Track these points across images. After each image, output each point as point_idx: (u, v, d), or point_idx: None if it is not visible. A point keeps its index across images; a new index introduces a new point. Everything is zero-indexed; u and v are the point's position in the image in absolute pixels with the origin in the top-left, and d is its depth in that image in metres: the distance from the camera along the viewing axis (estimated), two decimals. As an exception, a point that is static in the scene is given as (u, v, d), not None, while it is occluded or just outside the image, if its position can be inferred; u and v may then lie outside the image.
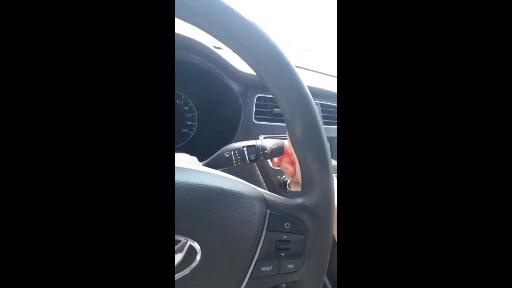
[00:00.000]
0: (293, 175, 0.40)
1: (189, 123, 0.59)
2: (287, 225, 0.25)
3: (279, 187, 0.55)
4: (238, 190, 0.22)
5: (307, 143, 0.25)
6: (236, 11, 0.20)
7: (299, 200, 0.26)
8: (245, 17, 0.21)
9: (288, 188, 0.54)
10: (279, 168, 0.54)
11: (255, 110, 0.53)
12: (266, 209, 0.24)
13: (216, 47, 0.45)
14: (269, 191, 0.55)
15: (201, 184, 0.20)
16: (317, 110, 0.26)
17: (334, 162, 0.68)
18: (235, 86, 0.52)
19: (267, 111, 0.56)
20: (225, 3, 0.20)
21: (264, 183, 0.53)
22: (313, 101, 0.25)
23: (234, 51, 0.22)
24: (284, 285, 0.28)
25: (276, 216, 0.24)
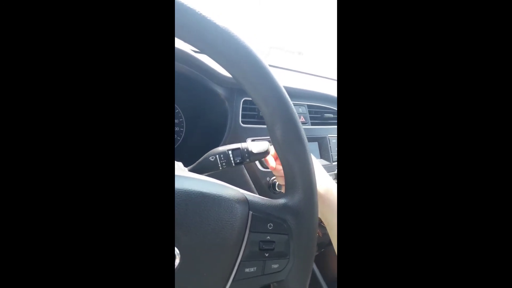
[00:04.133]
0: None
1: (176, 129, 0.59)
2: (270, 226, 0.25)
3: (268, 188, 0.55)
4: (218, 193, 0.23)
5: (287, 144, 0.26)
6: (209, 18, 0.21)
7: (282, 201, 0.27)
8: (219, 24, 0.21)
9: (277, 189, 0.54)
10: (267, 170, 0.54)
11: (242, 114, 0.54)
12: (249, 210, 0.24)
13: (194, 51, 0.46)
14: (259, 193, 0.55)
15: (180, 189, 0.21)
16: (295, 112, 0.26)
17: (321, 162, 0.69)
18: (220, 91, 0.52)
19: (254, 114, 0.56)
20: (198, 11, 0.20)
21: (253, 186, 0.54)
22: (292, 104, 0.26)
23: (210, 57, 0.23)
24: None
25: (259, 217, 0.25)
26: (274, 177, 0.55)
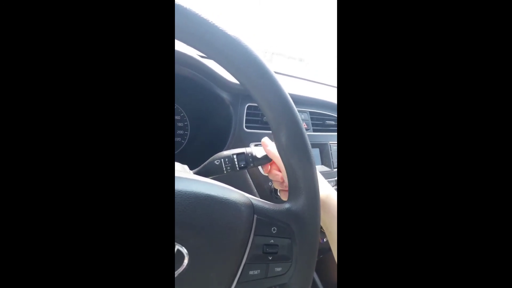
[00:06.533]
0: (282, 182, 0.41)
1: (181, 132, 0.60)
2: (274, 230, 0.26)
3: (270, 193, 0.55)
4: (225, 196, 0.23)
5: (292, 150, 0.27)
6: (220, 27, 0.22)
7: (286, 205, 0.27)
8: (228, 33, 0.22)
9: (279, 194, 0.55)
10: (270, 175, 0.55)
11: (246, 119, 0.55)
12: (254, 214, 0.25)
13: (201, 56, 0.47)
14: (261, 197, 0.55)
15: (189, 191, 0.21)
16: (300, 118, 0.27)
17: (322, 168, 0.70)
18: (225, 96, 0.53)
19: (258, 119, 0.57)
20: (210, 21, 0.21)
21: (255, 190, 0.54)
22: (296, 110, 0.26)
23: (219, 63, 0.24)
24: None
25: (264, 221, 0.25)
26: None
